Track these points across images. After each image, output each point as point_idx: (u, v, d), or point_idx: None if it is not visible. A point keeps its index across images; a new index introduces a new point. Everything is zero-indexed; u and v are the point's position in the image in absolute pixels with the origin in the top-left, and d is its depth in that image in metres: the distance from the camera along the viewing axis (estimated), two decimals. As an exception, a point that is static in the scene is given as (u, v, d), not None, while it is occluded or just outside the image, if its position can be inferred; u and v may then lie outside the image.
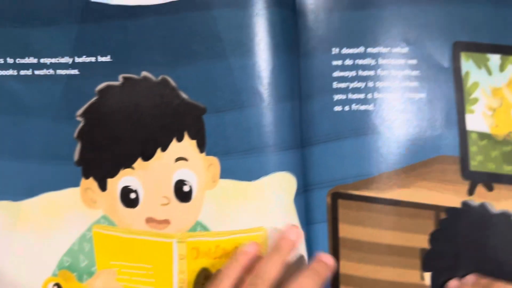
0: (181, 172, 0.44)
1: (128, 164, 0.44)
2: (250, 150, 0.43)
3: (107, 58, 0.44)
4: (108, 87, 0.44)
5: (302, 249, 0.44)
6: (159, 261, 0.44)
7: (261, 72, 0.44)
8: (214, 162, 0.44)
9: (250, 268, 0.40)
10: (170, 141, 0.44)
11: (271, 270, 0.39)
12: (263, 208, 0.43)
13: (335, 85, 0.45)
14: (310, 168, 0.44)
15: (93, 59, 0.44)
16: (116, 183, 0.44)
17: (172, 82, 0.44)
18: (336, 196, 0.44)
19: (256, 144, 0.43)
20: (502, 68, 0.46)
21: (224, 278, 0.39)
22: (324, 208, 0.44)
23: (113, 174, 0.44)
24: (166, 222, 0.44)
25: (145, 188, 0.44)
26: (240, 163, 0.43)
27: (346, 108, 0.45)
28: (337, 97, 0.45)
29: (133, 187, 0.44)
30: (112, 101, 0.44)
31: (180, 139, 0.44)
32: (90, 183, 0.44)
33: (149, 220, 0.44)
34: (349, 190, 0.44)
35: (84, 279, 0.44)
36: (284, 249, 0.41)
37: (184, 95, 0.44)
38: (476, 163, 0.45)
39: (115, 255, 0.44)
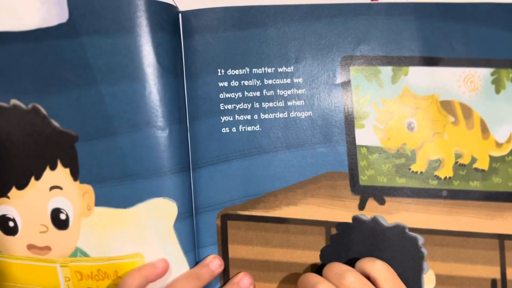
0: (56, 200, 0.44)
1: (3, 193, 0.44)
2: (125, 177, 0.44)
3: (-26, 85, 0.43)
4: (-23, 114, 0.43)
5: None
6: (47, 283, 0.45)
7: (135, 98, 0.43)
8: (88, 190, 0.44)
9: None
10: (44, 169, 0.44)
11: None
12: (139, 234, 0.44)
13: (222, 106, 0.45)
14: (198, 191, 0.45)
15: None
16: (-6, 212, 0.44)
17: (43, 110, 0.44)
18: (225, 218, 0.46)
19: (130, 171, 0.43)
20: (394, 80, 0.46)
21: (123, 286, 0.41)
22: (214, 231, 0.46)
23: None
24: (47, 248, 0.45)
25: (22, 217, 0.44)
26: (114, 191, 0.44)
27: (233, 129, 0.45)
28: (224, 118, 0.45)
29: (10, 215, 0.44)
30: (-18, 129, 0.43)
31: (53, 167, 0.44)
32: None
33: (31, 247, 0.45)
34: (238, 211, 0.46)
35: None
36: (203, 276, 0.43)
37: (55, 123, 0.44)
38: (366, 177, 0.46)
39: (6, 278, 0.45)
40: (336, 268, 0.41)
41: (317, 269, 0.45)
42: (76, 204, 0.44)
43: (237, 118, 0.45)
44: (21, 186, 0.44)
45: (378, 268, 0.41)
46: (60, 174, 0.44)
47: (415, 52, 0.46)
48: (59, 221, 0.44)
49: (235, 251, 0.45)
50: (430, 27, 0.46)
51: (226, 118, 0.45)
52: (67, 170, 0.44)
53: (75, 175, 0.44)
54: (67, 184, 0.44)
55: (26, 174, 0.44)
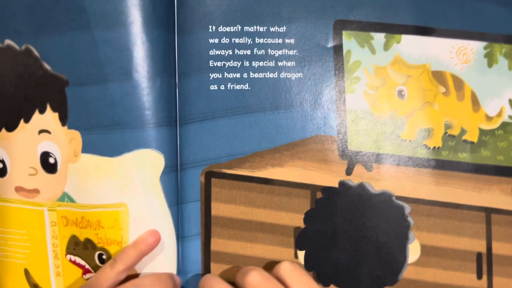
0: (45, 144, 0.44)
1: None
2: (113, 125, 0.43)
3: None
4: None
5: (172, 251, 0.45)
6: (33, 227, 0.45)
7: (128, 46, 0.43)
8: (76, 136, 0.44)
9: None
10: (33, 112, 0.44)
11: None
12: (124, 184, 0.44)
13: (211, 63, 0.45)
14: (184, 147, 0.45)
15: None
16: (-17, 153, 0.44)
17: (36, 52, 0.44)
18: (210, 175, 0.45)
19: (119, 119, 0.43)
20: (386, 47, 0.46)
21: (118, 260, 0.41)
22: (198, 187, 0.45)
23: None
24: (35, 191, 0.45)
25: (11, 158, 0.44)
26: (102, 139, 0.43)
27: (222, 87, 0.45)
28: (213, 75, 0.45)
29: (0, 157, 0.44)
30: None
31: (42, 111, 0.44)
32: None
33: (19, 189, 0.45)
34: (223, 169, 0.45)
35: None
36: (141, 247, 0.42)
37: (47, 66, 0.44)
38: (354, 143, 0.45)
39: None
40: (244, 268, 0.41)
41: (300, 232, 0.45)
42: (64, 149, 0.44)
43: (226, 75, 0.44)
44: (11, 127, 0.44)
45: (284, 268, 0.41)
46: (49, 118, 0.44)
47: (409, 21, 0.46)
48: (48, 164, 0.44)
49: (218, 209, 0.45)
50: (425, -3, 0.46)
51: (215, 75, 0.44)
52: (56, 115, 0.44)
53: (63, 120, 0.44)
54: (56, 129, 0.44)
55: (15, 116, 0.44)
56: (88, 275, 0.44)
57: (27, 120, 0.44)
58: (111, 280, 0.40)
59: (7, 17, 0.43)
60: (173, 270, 0.45)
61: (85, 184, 0.44)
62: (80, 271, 0.45)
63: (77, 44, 0.43)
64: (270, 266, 0.45)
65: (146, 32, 0.43)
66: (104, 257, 0.44)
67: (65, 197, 0.44)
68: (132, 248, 0.42)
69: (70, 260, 0.45)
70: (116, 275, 0.40)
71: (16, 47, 0.44)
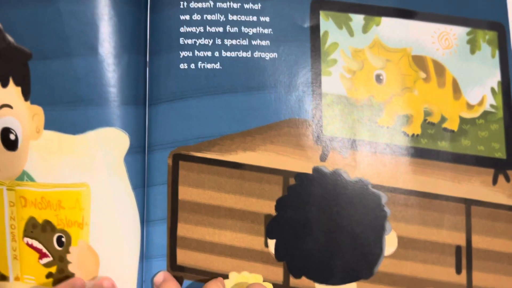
0: (6, 119, 0.42)
1: None
2: (76, 102, 0.42)
3: None
4: None
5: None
6: None
7: (94, 20, 0.41)
8: (38, 112, 0.42)
9: None
10: None
11: None
12: (87, 163, 0.42)
13: (182, 41, 0.43)
14: (153, 128, 0.43)
15: None
16: None
17: None
18: (177, 158, 0.42)
19: (83, 96, 0.42)
20: (365, 29, 0.44)
21: None
22: (165, 170, 0.42)
23: None
24: None
25: None
26: (65, 115, 0.42)
27: (192, 66, 0.43)
28: (183, 54, 0.43)
29: None
30: None
31: (5, 84, 0.42)
32: None
33: None
34: (191, 152, 0.42)
35: None
36: None
37: (10, 38, 0.42)
38: (330, 127, 0.43)
39: None
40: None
41: (271, 220, 0.42)
42: (26, 125, 0.42)
43: (197, 54, 0.42)
44: None
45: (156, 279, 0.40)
46: (11, 92, 0.42)
47: (389, 3, 0.45)
48: (8, 141, 0.42)
49: (185, 193, 0.42)
50: (407, -22, 0.44)
51: (185, 54, 0.42)
52: (19, 89, 0.42)
53: (26, 95, 0.42)
54: (18, 104, 0.42)
55: None
56: (44, 260, 0.42)
57: None
58: None
59: None
60: (137, 254, 0.43)
61: (46, 162, 0.42)
62: (36, 256, 0.42)
63: (41, 16, 0.41)
64: (239, 255, 0.42)
65: (114, 6, 0.42)
66: (63, 239, 0.43)
67: (25, 176, 0.43)
68: None
69: (27, 244, 0.43)
70: None
71: None
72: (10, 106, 0.42)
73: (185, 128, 0.43)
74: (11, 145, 0.42)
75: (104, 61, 0.42)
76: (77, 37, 0.41)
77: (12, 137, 0.42)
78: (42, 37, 0.42)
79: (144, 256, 0.43)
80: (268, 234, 0.43)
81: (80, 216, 0.43)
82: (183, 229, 0.43)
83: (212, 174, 0.43)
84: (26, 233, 0.43)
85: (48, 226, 0.43)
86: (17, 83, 0.42)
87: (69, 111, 0.42)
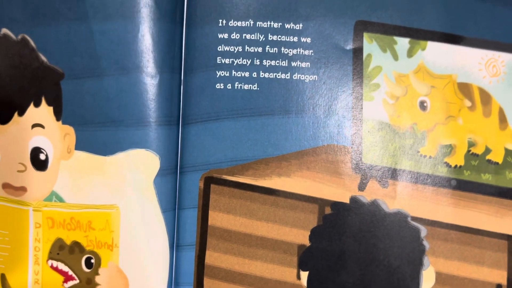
0: (37, 139, 0.42)
1: None
2: (107, 122, 0.41)
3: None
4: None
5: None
6: (15, 228, 0.42)
7: (127, 38, 0.40)
8: (70, 132, 0.42)
9: None
10: (28, 105, 0.42)
11: None
12: (117, 185, 0.42)
13: (219, 60, 0.41)
14: (185, 148, 0.41)
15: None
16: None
17: (32, 43, 0.41)
18: (209, 181, 0.41)
19: (114, 116, 0.41)
20: (410, 53, 0.42)
21: None
22: (196, 193, 0.41)
23: None
24: (22, 189, 0.42)
25: (1, 153, 0.42)
26: (96, 136, 0.41)
27: (229, 86, 0.41)
28: (220, 73, 0.41)
29: None
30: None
31: (37, 104, 0.42)
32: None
33: (6, 186, 0.42)
34: (224, 175, 0.41)
35: None
36: None
37: (43, 58, 0.41)
38: (370, 155, 0.41)
39: None
40: None
41: (305, 251, 0.40)
42: (57, 145, 0.42)
43: (234, 74, 0.40)
44: (4, 121, 0.42)
45: None
46: (43, 112, 0.42)
47: (436, 27, 0.42)
48: (38, 161, 0.42)
49: (215, 218, 0.41)
50: (455, 2, 0.42)
51: (222, 73, 0.40)
52: (51, 109, 0.42)
53: (58, 115, 0.42)
54: (49, 123, 0.42)
55: (10, 108, 0.41)
56: (70, 283, 0.40)
57: (21, 113, 0.42)
58: None
59: (3, 4, 0.41)
60: (165, 281, 0.42)
61: (77, 183, 0.42)
62: (60, 279, 0.40)
63: (73, 35, 0.41)
64: (269, 287, 0.40)
65: (147, 23, 0.41)
66: (92, 261, 0.42)
67: (53, 197, 0.42)
68: None
69: (52, 267, 0.41)
70: None
71: (12, 36, 0.41)
72: (42, 126, 0.42)
73: (219, 150, 0.41)
74: (41, 165, 0.42)
75: (137, 81, 0.41)
76: (109, 56, 0.41)
77: (42, 157, 0.42)
78: (74, 57, 0.41)
79: (172, 283, 0.41)
80: (301, 266, 0.41)
81: (110, 237, 0.42)
82: (211, 257, 0.41)
83: (244, 200, 0.41)
84: (51, 255, 0.42)
85: (76, 248, 0.42)
86: (49, 103, 0.42)
87: (100, 131, 0.41)
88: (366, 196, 0.41)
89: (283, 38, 0.41)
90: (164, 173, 0.41)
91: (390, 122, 0.42)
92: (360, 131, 0.41)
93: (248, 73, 0.41)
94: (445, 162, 0.42)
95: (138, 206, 0.41)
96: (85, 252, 0.42)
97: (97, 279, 0.41)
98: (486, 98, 0.43)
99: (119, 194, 0.41)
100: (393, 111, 0.42)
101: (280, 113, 0.41)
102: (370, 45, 0.42)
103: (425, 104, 0.42)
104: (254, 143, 0.41)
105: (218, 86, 0.41)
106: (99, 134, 0.41)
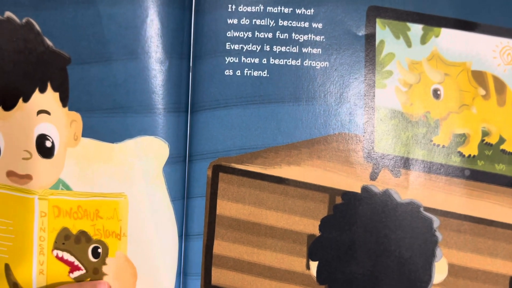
0: (43, 126, 0.41)
1: None
2: (115, 109, 0.40)
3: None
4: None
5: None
6: (20, 217, 0.42)
7: (135, 23, 0.39)
8: (77, 118, 0.41)
9: None
10: (33, 91, 0.40)
11: None
12: (125, 173, 0.41)
13: (228, 46, 0.40)
14: (193, 136, 0.40)
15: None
16: (-24, 133, 0.41)
17: (37, 27, 0.40)
18: (217, 169, 0.40)
19: (122, 103, 0.40)
20: (424, 40, 0.41)
21: None
22: (204, 182, 0.40)
23: None
24: (27, 177, 0.41)
25: (6, 140, 0.41)
26: (103, 122, 0.40)
27: (238, 72, 0.40)
28: (229, 59, 0.40)
29: None
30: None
31: (43, 90, 0.40)
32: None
33: (10, 174, 0.41)
34: (232, 164, 0.40)
35: None
36: None
37: (49, 42, 0.40)
38: (382, 144, 0.40)
39: None
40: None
41: (314, 241, 0.39)
42: (63, 132, 0.41)
43: (244, 60, 0.39)
44: (9, 107, 0.41)
45: None
46: (49, 98, 0.41)
47: (450, 13, 0.41)
48: (44, 148, 0.41)
49: (224, 207, 0.40)
50: (469, -12, 0.41)
51: (231, 59, 0.39)
52: (57, 95, 0.41)
53: (64, 101, 0.41)
54: (56, 110, 0.41)
55: (14, 94, 0.40)
56: (76, 273, 0.40)
57: (26, 99, 0.41)
58: None
59: None
60: (174, 270, 0.42)
61: (84, 170, 0.41)
62: (66, 269, 0.40)
63: (80, 19, 0.40)
64: (278, 277, 0.39)
65: (156, 8, 0.40)
66: (99, 250, 0.41)
67: (60, 185, 0.41)
68: None
69: (57, 257, 0.41)
70: None
71: (17, 20, 0.40)
72: (47, 112, 0.41)
73: (227, 138, 0.40)
74: (47, 153, 0.41)
75: (145, 66, 0.40)
76: (117, 41, 0.40)
77: (48, 144, 0.41)
78: (81, 41, 0.40)
79: (181, 273, 0.41)
80: (310, 256, 0.40)
81: (118, 226, 0.41)
82: (219, 247, 0.40)
83: (253, 189, 0.40)
84: (57, 245, 0.42)
85: (82, 237, 0.41)
86: (55, 89, 0.41)
87: (108, 118, 0.40)
88: (378, 186, 0.40)
89: (293, 24, 0.40)
90: (173, 161, 0.41)
91: (403, 110, 0.41)
92: (373, 119, 0.40)
93: (258, 59, 0.40)
94: (459, 152, 0.41)
95: (146, 194, 0.41)
96: (92, 242, 0.41)
97: (104, 269, 0.40)
98: (500, 86, 0.42)
99: (128, 182, 0.41)
100: (406, 99, 0.41)
101: (290, 100, 0.40)
102: (383, 31, 0.41)
103: (438, 92, 0.41)
104: (264, 131, 0.40)
105: (227, 72, 0.40)
106: (107, 120, 0.40)
